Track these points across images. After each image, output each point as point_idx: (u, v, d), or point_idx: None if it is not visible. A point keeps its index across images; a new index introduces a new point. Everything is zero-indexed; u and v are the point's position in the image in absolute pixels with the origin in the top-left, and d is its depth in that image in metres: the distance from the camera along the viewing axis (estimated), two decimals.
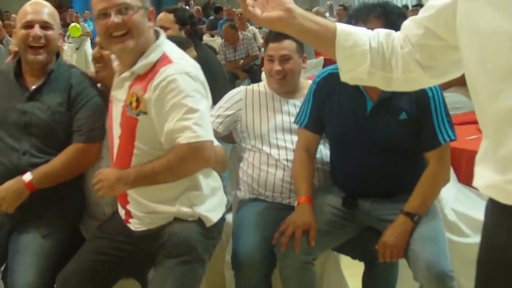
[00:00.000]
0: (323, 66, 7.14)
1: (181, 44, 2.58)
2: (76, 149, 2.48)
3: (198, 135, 2.12)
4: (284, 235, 2.50)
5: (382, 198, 2.58)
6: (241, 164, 2.93)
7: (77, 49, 8.03)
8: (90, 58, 6.28)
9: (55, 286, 2.33)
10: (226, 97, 2.97)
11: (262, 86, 2.99)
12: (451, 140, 2.48)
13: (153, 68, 2.19)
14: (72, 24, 8.58)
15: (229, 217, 2.96)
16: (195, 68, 2.23)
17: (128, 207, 2.31)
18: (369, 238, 2.66)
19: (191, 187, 2.28)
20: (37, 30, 2.47)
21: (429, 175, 2.49)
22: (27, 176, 2.40)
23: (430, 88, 2.43)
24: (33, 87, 2.51)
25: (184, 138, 2.11)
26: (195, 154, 2.14)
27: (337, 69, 2.56)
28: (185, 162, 2.15)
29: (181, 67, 2.17)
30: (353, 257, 2.80)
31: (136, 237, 2.33)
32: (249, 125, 2.87)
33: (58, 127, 2.49)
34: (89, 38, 7.79)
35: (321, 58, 7.56)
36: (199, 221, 2.28)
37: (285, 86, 2.89)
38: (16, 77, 2.52)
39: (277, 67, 2.84)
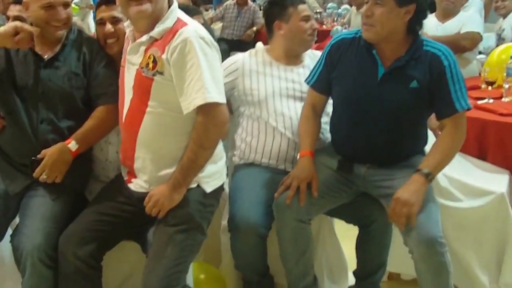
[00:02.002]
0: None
1: (189, 11, 2.62)
2: (107, 110, 2.51)
3: (212, 96, 2.19)
4: (290, 188, 2.54)
5: (379, 165, 2.60)
6: (238, 130, 2.95)
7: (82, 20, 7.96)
8: (93, 30, 6.22)
9: (59, 243, 2.35)
10: (223, 65, 2.92)
11: (260, 54, 2.98)
12: (468, 109, 2.48)
13: (170, 32, 2.25)
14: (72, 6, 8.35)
15: (227, 183, 2.99)
16: (207, 34, 2.29)
17: (134, 166, 2.36)
18: (364, 203, 2.71)
19: None
20: (62, 13, 2.51)
21: (447, 136, 2.49)
22: (73, 145, 2.44)
23: (446, 57, 2.44)
24: (47, 55, 2.53)
25: (200, 100, 2.18)
26: (213, 119, 2.23)
27: (352, 34, 2.62)
28: (207, 130, 2.23)
29: (197, 30, 2.24)
30: (348, 221, 2.84)
31: (136, 199, 2.37)
32: (246, 91, 2.88)
33: (76, 94, 2.52)
34: (91, 11, 7.70)
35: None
36: (198, 188, 2.34)
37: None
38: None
39: (315, 24, 2.95)
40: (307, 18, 2.92)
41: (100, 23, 2.64)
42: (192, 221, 2.30)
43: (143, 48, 2.30)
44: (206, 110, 2.21)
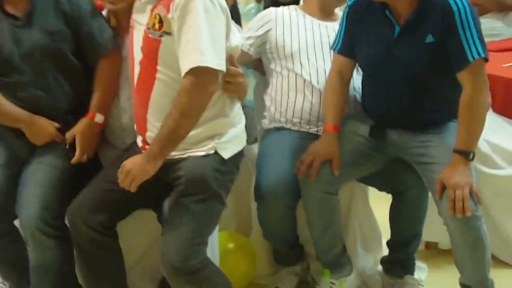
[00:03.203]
0: None
1: None
2: (110, 60, 2.44)
3: (205, 60, 2.02)
4: (303, 163, 2.45)
5: (412, 130, 2.47)
6: (267, 90, 2.84)
7: None
8: None
9: (66, 216, 2.31)
10: (256, 18, 2.87)
11: (292, 8, 2.88)
12: (482, 58, 2.25)
13: None
14: None
15: (255, 147, 2.91)
16: None
17: (146, 134, 2.26)
18: (398, 170, 2.60)
19: (219, 114, 2.22)
20: None
21: (466, 101, 2.28)
22: (100, 118, 2.42)
23: (456, 2, 2.25)
24: (20, 14, 2.39)
25: (191, 62, 2.03)
26: (201, 83, 2.05)
27: None
28: (192, 97, 2.05)
29: None
30: (381, 189, 2.74)
31: None
32: (279, 43, 2.76)
33: (63, 48, 2.41)
34: None
35: None
36: (215, 155, 2.22)
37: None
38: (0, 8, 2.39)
39: None
40: None
41: None
42: (210, 190, 2.18)
43: (149, 6, 2.16)
44: (197, 74, 2.03)
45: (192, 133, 2.15)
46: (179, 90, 2.06)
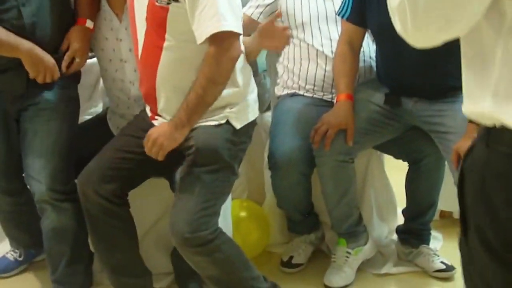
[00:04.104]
0: None
1: None
2: None
3: (227, 24, 1.97)
4: (317, 133, 2.41)
5: (427, 99, 2.42)
6: (279, 59, 2.79)
7: None
8: None
9: (77, 183, 2.29)
10: None
11: None
12: None
13: None
14: None
15: (268, 115, 2.87)
16: None
17: (157, 106, 2.20)
18: (413, 138, 2.56)
19: (230, 84, 2.14)
20: None
21: None
22: (90, 24, 2.35)
23: None
24: None
25: (213, 27, 1.96)
26: (227, 48, 2.01)
27: None
28: (221, 67, 2.02)
29: None
30: (397, 157, 2.70)
31: None
32: (289, 13, 2.69)
33: None
34: None
35: None
36: (227, 125, 2.16)
37: None
38: None
39: None
40: None
41: None
42: (221, 160, 2.13)
43: None
44: (220, 39, 1.98)
45: None
46: (205, 57, 2.01)
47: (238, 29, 2.02)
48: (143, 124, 2.27)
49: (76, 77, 2.47)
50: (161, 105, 2.18)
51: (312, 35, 2.66)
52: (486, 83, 1.08)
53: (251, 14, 2.69)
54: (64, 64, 2.32)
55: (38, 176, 2.29)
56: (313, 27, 2.66)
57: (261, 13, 2.71)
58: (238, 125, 2.17)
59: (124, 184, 2.27)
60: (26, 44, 2.20)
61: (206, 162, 2.11)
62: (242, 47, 2.12)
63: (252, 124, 2.27)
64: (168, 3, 2.01)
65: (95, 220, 2.27)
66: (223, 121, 2.15)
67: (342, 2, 2.56)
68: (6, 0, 2.18)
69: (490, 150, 1.11)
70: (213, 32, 1.96)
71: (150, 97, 2.21)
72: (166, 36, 2.06)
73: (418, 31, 1.16)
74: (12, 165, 2.42)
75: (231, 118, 2.16)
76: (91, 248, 2.41)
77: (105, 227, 2.27)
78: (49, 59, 2.24)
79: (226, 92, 2.13)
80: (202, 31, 1.97)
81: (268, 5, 2.72)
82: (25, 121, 2.34)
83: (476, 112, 1.13)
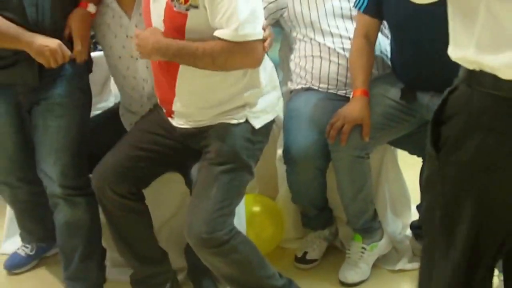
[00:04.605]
0: None
1: None
2: None
3: (248, 34, 1.94)
4: (333, 128, 2.38)
5: (443, 93, 2.39)
6: (291, 56, 2.75)
7: None
8: None
9: (91, 180, 2.27)
10: None
11: None
12: None
13: None
14: None
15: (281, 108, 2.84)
16: None
17: (172, 109, 2.17)
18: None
19: (250, 85, 2.12)
20: None
21: None
22: (92, 8, 2.31)
23: None
24: None
25: (233, 36, 1.93)
26: (244, 52, 1.98)
27: None
28: (231, 59, 1.98)
29: None
30: (411, 152, 2.66)
31: (179, 134, 2.21)
32: (297, 12, 2.66)
33: None
34: None
35: None
36: (246, 124, 2.13)
37: None
38: None
39: None
40: None
41: None
42: (239, 160, 2.10)
43: None
44: (242, 46, 1.96)
45: (222, 103, 2.09)
46: (222, 41, 1.95)
47: (258, 34, 1.98)
48: (158, 118, 2.24)
49: (87, 66, 2.43)
50: (176, 108, 2.15)
51: (322, 33, 2.63)
52: (470, 34, 1.28)
53: None
54: (74, 50, 2.27)
55: (49, 172, 2.28)
56: (323, 25, 2.62)
57: (264, 8, 2.64)
58: (257, 125, 2.15)
59: (139, 182, 2.26)
60: (26, 34, 2.15)
61: (224, 161, 2.08)
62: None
63: (271, 123, 2.25)
64: (187, 10, 1.96)
65: (112, 215, 2.27)
66: (242, 120, 2.12)
67: None
68: None
69: (472, 90, 1.33)
70: (236, 41, 1.94)
71: (167, 101, 2.18)
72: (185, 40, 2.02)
73: None
74: (27, 156, 2.40)
75: (251, 117, 2.14)
76: (111, 242, 2.39)
77: (123, 221, 2.27)
78: (53, 42, 2.17)
79: (246, 92, 2.10)
80: (224, 36, 1.94)
81: (273, 2, 2.67)
82: (36, 116, 2.32)
83: (460, 56, 1.35)
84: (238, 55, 1.98)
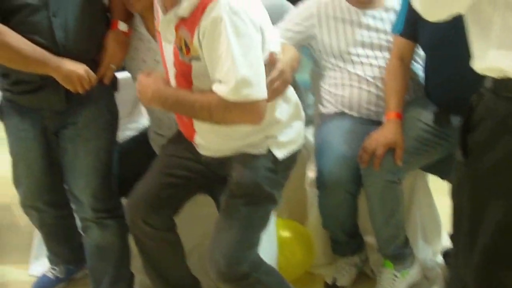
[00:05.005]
0: None
1: None
2: None
3: (248, 94, 1.82)
4: (366, 152, 2.36)
5: None
6: (321, 82, 2.75)
7: None
8: None
9: (125, 211, 2.26)
10: (297, 10, 2.72)
11: None
12: None
13: (198, 9, 1.84)
14: None
15: (309, 132, 2.83)
16: (244, 3, 1.84)
17: (195, 141, 2.16)
18: None
19: (271, 121, 2.05)
20: None
21: None
22: (124, 26, 2.29)
23: None
24: None
25: (230, 94, 1.82)
26: (243, 111, 1.86)
27: None
28: (228, 115, 1.87)
29: (230, 3, 1.80)
30: (443, 177, 2.61)
31: (204, 160, 2.18)
32: (325, 43, 2.66)
33: None
34: None
35: None
36: (269, 154, 2.07)
37: None
38: None
39: None
40: None
41: None
42: (261, 191, 2.05)
43: (172, 25, 1.93)
44: (241, 107, 1.84)
45: (243, 137, 2.06)
46: (218, 97, 1.85)
47: (255, 91, 1.84)
48: (185, 142, 2.22)
49: (113, 85, 2.42)
50: (198, 140, 2.14)
51: (352, 63, 2.62)
52: (488, 44, 1.38)
53: (281, 36, 2.64)
54: (100, 74, 2.25)
55: (80, 195, 2.29)
56: (352, 55, 2.62)
57: (290, 38, 2.62)
58: (280, 155, 2.09)
59: (171, 210, 2.24)
60: (53, 59, 2.12)
61: (244, 193, 2.05)
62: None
63: (296, 153, 2.18)
64: (190, 60, 1.92)
65: (145, 245, 2.25)
66: (264, 151, 2.07)
67: (396, 18, 2.52)
68: (37, 11, 2.12)
69: (497, 96, 1.40)
70: (234, 100, 1.84)
71: (188, 135, 2.17)
72: (193, 88, 1.98)
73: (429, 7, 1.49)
74: (55, 179, 2.40)
75: (273, 148, 2.08)
76: (143, 272, 2.37)
77: (155, 251, 2.26)
78: (80, 67, 2.16)
79: (268, 127, 2.05)
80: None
81: (300, 32, 2.66)
82: (64, 140, 2.30)
83: (484, 67, 1.44)
84: (237, 112, 1.86)
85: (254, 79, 1.82)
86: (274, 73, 1.98)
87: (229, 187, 2.07)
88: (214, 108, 1.87)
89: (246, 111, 1.86)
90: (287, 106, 2.11)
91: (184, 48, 1.90)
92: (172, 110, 2.04)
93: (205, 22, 1.80)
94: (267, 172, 2.07)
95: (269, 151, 2.07)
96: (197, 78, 1.94)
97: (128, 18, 2.33)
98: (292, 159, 2.17)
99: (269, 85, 1.94)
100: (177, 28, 1.91)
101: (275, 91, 1.99)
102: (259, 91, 1.85)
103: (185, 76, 1.96)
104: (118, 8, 2.29)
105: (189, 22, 1.86)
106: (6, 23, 2.08)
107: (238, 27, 1.79)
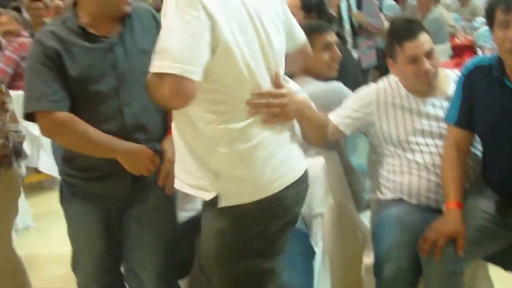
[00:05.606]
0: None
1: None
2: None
3: (161, 65, 1.70)
4: (426, 241, 2.32)
5: None
6: (379, 168, 2.74)
7: None
8: None
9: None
10: (356, 96, 2.74)
11: (393, 82, 2.70)
12: None
13: None
14: None
15: (366, 216, 2.80)
16: None
17: None
18: None
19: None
20: None
21: None
22: None
23: None
24: (112, 35, 2.21)
25: (155, 66, 1.72)
26: (159, 87, 1.72)
27: (483, 61, 2.38)
28: (155, 93, 1.76)
29: None
30: (506, 268, 2.54)
31: None
32: (384, 131, 2.66)
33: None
34: None
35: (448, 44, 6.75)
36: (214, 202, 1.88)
37: (433, 84, 2.62)
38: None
39: (427, 65, 2.55)
40: (414, 58, 2.55)
41: None
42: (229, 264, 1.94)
43: None
44: (158, 79, 1.72)
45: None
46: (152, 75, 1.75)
47: (181, 70, 1.69)
48: None
49: None
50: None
51: (412, 151, 2.61)
52: None
53: (338, 125, 2.65)
54: (160, 178, 2.25)
55: (143, 275, 2.30)
56: (411, 143, 2.61)
57: (349, 125, 2.65)
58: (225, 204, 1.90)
59: None
60: (121, 145, 2.15)
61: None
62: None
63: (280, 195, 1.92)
64: None
65: None
66: (211, 197, 1.91)
67: (449, 106, 2.51)
68: (107, 99, 2.16)
69: None
70: (153, 71, 1.73)
71: None
72: None
73: None
74: (113, 262, 2.41)
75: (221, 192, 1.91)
76: None
77: None
78: (143, 148, 2.18)
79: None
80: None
81: (359, 119, 2.67)
82: (130, 219, 2.32)
83: None
84: (163, 90, 1.71)
85: (181, 55, 1.69)
86: (273, 93, 1.91)
87: None
88: (150, 84, 1.77)
89: (170, 88, 1.70)
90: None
91: None
92: None
93: None
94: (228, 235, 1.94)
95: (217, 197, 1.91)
96: None
97: None
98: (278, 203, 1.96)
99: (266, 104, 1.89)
100: None
101: (270, 112, 1.90)
102: (184, 69, 1.69)
103: None
104: None
105: None
106: (77, 112, 2.14)
107: (179, 1, 1.73)
